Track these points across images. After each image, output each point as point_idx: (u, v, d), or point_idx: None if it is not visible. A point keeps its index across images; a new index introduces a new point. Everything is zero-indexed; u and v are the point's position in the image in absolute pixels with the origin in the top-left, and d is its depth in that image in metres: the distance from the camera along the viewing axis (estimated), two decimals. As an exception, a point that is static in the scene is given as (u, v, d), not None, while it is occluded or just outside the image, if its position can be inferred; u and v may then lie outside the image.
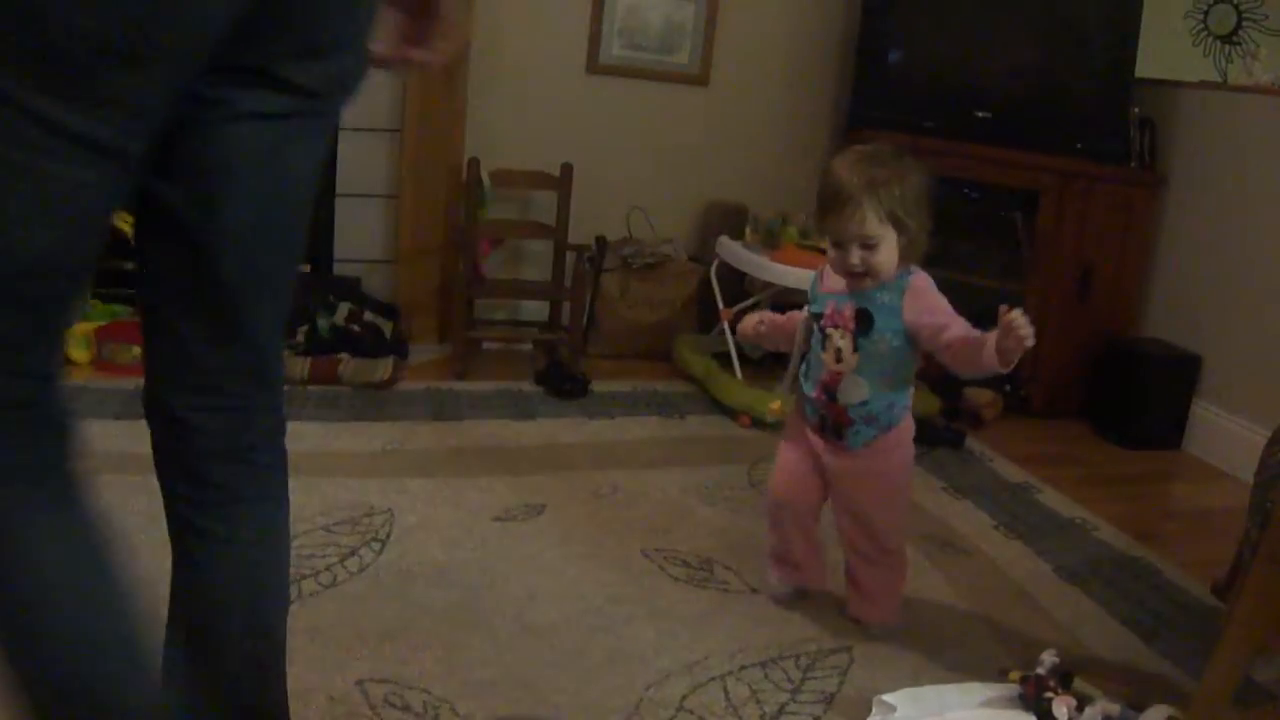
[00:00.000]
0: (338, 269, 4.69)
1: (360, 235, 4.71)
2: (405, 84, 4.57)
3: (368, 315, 4.28)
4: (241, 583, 1.62)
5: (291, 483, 3.09)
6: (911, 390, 2.52)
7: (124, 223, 3.99)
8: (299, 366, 4.02)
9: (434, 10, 1.68)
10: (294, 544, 2.77)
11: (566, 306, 4.55)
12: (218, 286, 1.47)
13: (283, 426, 1.65)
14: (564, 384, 4.07)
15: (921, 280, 2.41)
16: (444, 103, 4.58)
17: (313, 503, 3.03)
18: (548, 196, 4.65)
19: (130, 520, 2.92)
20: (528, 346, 4.72)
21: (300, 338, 4.18)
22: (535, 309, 4.81)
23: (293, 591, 2.56)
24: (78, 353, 4.22)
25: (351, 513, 2.98)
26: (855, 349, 2.43)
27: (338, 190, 4.67)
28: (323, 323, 4.17)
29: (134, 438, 3.50)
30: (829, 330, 2.47)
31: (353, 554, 2.75)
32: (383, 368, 4.04)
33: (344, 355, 4.10)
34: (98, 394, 3.91)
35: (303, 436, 3.52)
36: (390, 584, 2.62)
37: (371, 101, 4.67)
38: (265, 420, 1.61)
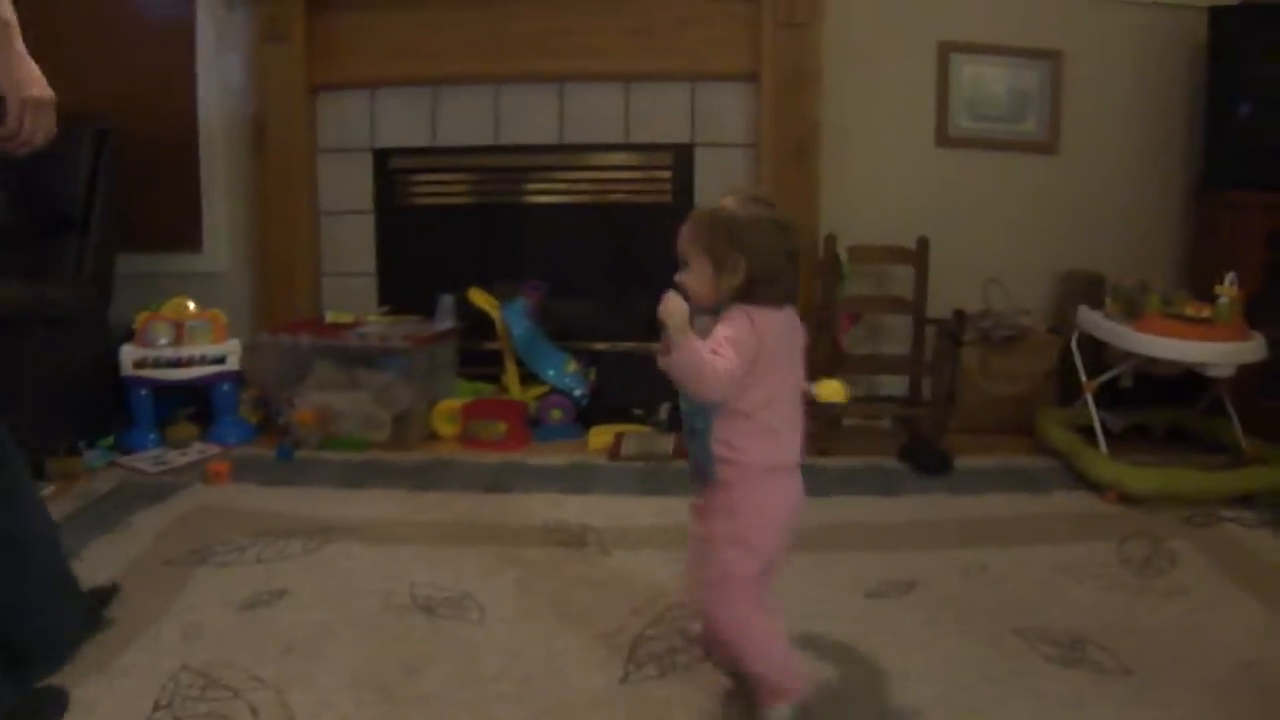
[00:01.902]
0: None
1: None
2: (760, 164, 4.67)
3: (728, 390, 4.36)
4: None
5: (664, 556, 3.18)
6: (727, 440, 2.40)
7: (487, 304, 4.16)
8: (664, 443, 4.12)
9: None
10: (661, 619, 2.89)
11: (926, 381, 4.53)
12: None
13: None
14: (928, 460, 4.05)
15: (736, 312, 2.37)
16: (798, 181, 4.66)
17: (682, 578, 3.10)
18: (904, 270, 4.66)
19: (503, 586, 3.07)
20: (886, 422, 4.71)
21: (663, 415, 4.27)
22: (893, 384, 4.81)
23: (666, 664, 2.66)
24: (445, 428, 4.44)
25: (723, 587, 3.04)
26: None
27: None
28: (685, 404, 4.26)
29: (502, 509, 3.66)
30: None
31: (723, 629, 2.80)
32: (748, 445, 4.10)
33: (708, 431, 4.19)
34: (465, 468, 4.11)
35: (670, 511, 3.62)
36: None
37: (728, 184, 4.78)
38: None
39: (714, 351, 2.31)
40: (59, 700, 2.53)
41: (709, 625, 2.57)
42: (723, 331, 2.36)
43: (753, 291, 2.37)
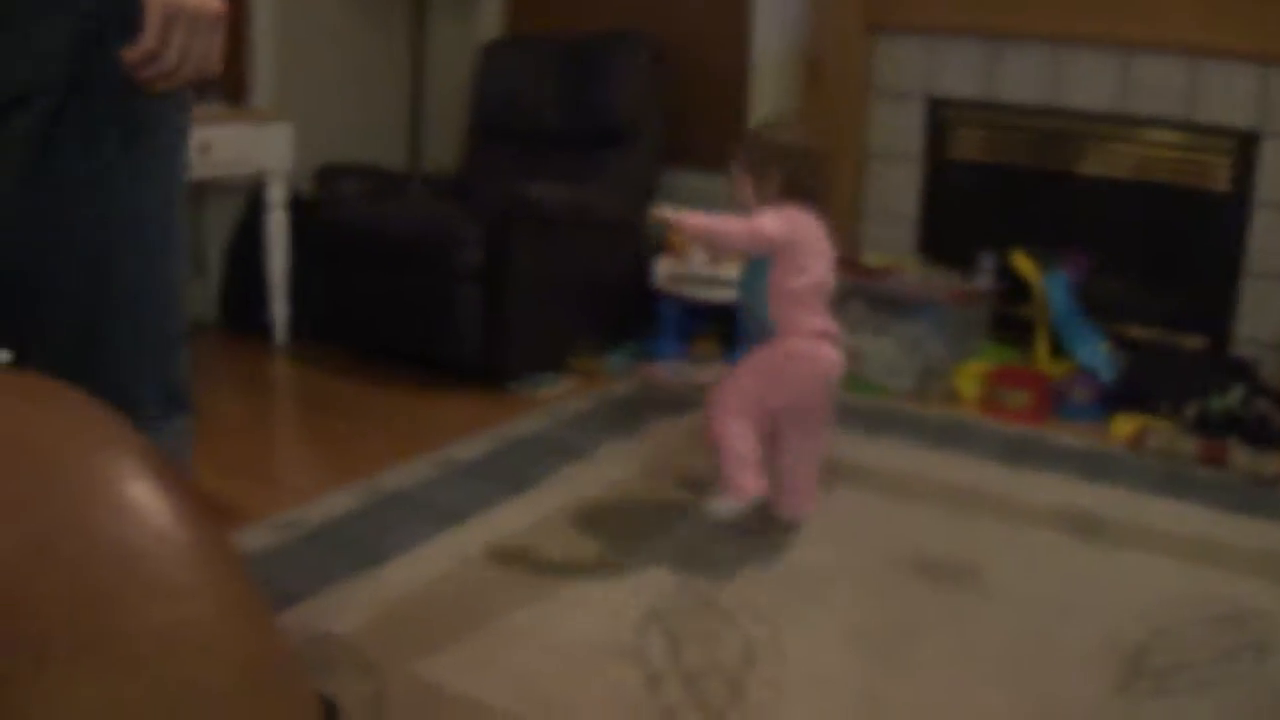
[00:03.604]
0: (1238, 349, 4.64)
1: (1266, 318, 4.64)
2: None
3: (1260, 402, 4.22)
4: None
5: (1173, 565, 3.15)
6: (772, 307, 3.22)
7: (1029, 270, 4.16)
8: (1188, 444, 4.06)
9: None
10: (1167, 631, 2.85)
11: None
12: None
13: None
14: None
15: (761, 212, 3.19)
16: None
17: (1193, 591, 3.07)
18: None
19: (1010, 564, 3.15)
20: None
21: (1191, 414, 4.20)
22: None
23: (1167, 681, 2.60)
24: (967, 388, 4.50)
25: (1232, 609, 2.98)
26: None
27: (1246, 269, 4.62)
28: (1215, 403, 4.17)
29: (1015, 482, 3.70)
30: None
31: (1228, 656, 2.75)
32: (1273, 462, 3.99)
33: (1234, 440, 4.09)
34: (982, 433, 4.17)
35: (1187, 518, 3.57)
36: (1263, 699, 2.59)
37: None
38: None
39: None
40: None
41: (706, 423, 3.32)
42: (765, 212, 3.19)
43: (786, 197, 3.20)
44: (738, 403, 3.20)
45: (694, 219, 3.19)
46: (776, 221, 3.15)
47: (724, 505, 3.21)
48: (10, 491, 1.08)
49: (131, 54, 1.57)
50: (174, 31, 1.56)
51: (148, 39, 1.56)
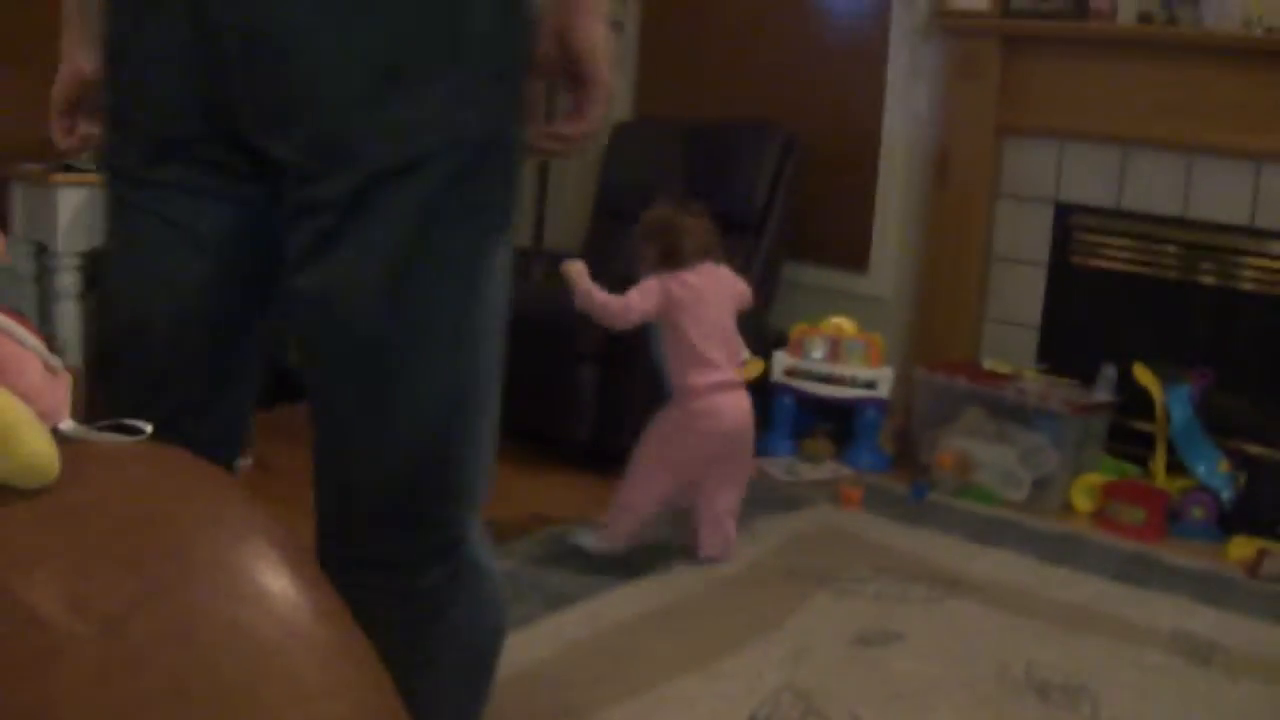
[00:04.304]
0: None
1: None
2: None
3: None
4: None
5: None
6: (670, 369, 3.63)
7: (1151, 383, 3.98)
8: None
9: (583, 79, 1.50)
10: None
11: None
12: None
13: None
14: None
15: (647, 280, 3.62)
16: None
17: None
18: None
19: (1120, 687, 3.08)
20: None
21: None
22: None
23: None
24: (1081, 502, 4.44)
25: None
26: None
27: None
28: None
29: (1128, 602, 3.65)
30: None
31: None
32: None
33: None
34: (1096, 548, 4.11)
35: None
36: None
37: None
38: None
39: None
40: None
41: None
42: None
43: (666, 262, 3.60)
44: (652, 468, 3.61)
45: (585, 285, 3.56)
46: (640, 298, 3.56)
47: (591, 540, 3.66)
48: (152, 574, 1.10)
49: (574, 129, 1.55)
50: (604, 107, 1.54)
51: (593, 119, 1.54)
